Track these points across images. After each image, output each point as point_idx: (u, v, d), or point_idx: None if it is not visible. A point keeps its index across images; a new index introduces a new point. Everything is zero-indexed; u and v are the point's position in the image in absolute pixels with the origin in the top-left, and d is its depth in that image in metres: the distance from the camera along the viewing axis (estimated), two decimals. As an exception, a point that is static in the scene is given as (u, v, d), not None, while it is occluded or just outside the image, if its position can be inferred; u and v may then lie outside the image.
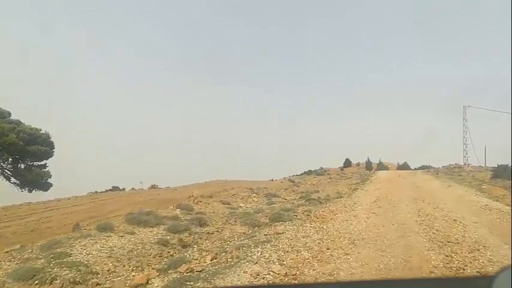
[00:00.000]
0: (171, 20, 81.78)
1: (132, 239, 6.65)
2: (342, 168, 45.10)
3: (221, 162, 67.03)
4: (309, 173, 42.02)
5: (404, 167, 45.43)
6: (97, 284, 4.94)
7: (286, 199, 13.73)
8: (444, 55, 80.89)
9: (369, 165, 45.16)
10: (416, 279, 3.29)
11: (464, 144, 37.99)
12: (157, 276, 5.22)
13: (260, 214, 9.60)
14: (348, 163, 49.05)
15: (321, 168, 45.34)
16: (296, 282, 4.38)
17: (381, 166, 44.85)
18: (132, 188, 28.97)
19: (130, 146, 72.26)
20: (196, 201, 11.22)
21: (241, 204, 11.54)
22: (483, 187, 18.43)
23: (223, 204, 11.38)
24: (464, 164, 36.95)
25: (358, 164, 48.81)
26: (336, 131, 76.42)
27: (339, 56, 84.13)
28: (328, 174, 36.11)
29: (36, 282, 4.77)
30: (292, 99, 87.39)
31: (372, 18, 77.09)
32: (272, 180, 34.06)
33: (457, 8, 71.50)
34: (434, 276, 4.53)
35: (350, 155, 55.53)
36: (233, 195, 18.27)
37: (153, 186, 30.66)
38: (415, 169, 41.06)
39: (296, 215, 9.10)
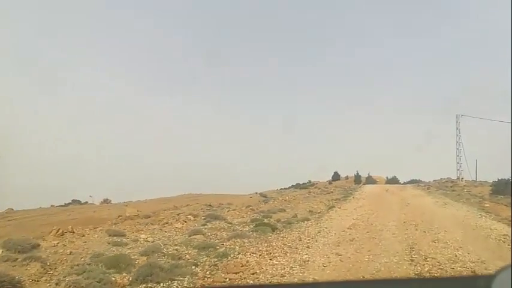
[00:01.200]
0: (171, 19, 79.20)
1: None
2: (330, 182, 41.94)
3: (221, 162, 63.15)
4: (297, 186, 38.71)
5: (393, 181, 42.97)
6: None
7: (231, 223, 9.96)
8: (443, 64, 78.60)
9: (357, 178, 42.16)
10: (417, 280, 3.50)
11: (457, 156, 35.04)
12: None
13: (143, 259, 5.56)
14: (336, 176, 46.13)
15: (309, 181, 42.26)
16: (296, 282, 4.18)
17: (370, 180, 42.16)
18: (81, 201, 24.85)
19: (130, 146, 68.07)
20: (61, 231, 7.29)
21: (143, 236, 7.61)
22: (486, 205, 15.63)
23: (109, 236, 7.38)
24: (458, 178, 33.84)
25: (346, 178, 45.80)
26: (337, 143, 72.71)
27: (343, 58, 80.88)
28: (316, 187, 33.23)
29: None
30: (293, 104, 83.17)
31: (370, 21, 75.46)
32: (256, 193, 30.51)
33: (457, 8, 70.43)
34: (434, 277, 4.34)
35: (348, 167, 52.55)
36: (178, 214, 14.47)
37: (105, 201, 26.68)
38: (405, 183, 38.26)
39: (195, 266, 5.23)
